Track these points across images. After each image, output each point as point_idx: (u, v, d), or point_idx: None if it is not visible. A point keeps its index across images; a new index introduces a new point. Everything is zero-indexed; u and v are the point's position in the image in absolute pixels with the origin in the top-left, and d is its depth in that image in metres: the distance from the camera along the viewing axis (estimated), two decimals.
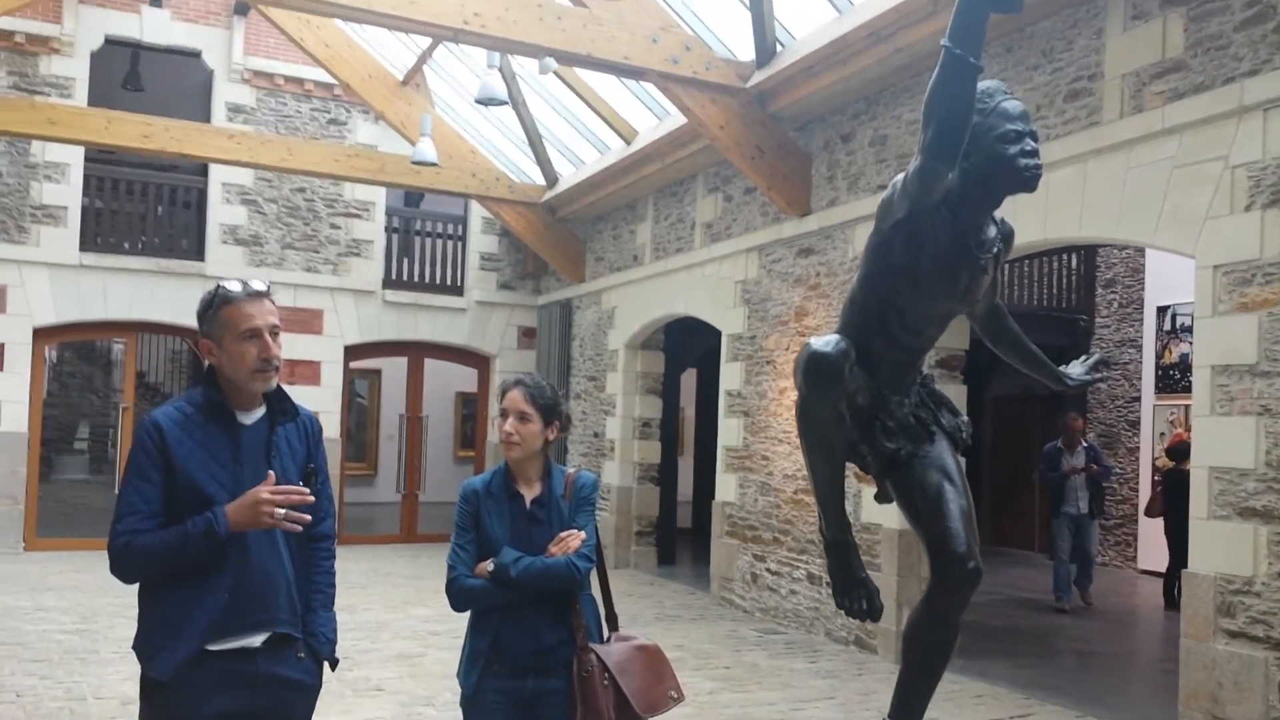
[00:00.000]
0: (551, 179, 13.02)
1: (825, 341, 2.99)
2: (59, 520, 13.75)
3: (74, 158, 12.55)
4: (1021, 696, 7.02)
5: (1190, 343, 9.76)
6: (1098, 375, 3.82)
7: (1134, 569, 13.38)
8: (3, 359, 12.20)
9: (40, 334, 12.54)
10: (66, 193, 12.60)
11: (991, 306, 3.51)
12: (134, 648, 2.88)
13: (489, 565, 3.31)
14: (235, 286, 2.93)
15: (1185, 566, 5.88)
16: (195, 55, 13.36)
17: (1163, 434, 12.69)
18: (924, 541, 3.26)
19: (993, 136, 2.94)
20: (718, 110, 8.61)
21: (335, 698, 6.31)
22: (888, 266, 3.07)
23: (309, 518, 2.79)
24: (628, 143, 11.23)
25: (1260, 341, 5.44)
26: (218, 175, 13.24)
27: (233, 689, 2.79)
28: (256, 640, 2.84)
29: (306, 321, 13.65)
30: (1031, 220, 6.77)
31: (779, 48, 8.61)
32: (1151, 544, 12.51)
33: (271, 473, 2.78)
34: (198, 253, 13.34)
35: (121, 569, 2.81)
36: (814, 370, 2.98)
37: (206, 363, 2.95)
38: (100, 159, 12.85)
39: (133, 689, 6.28)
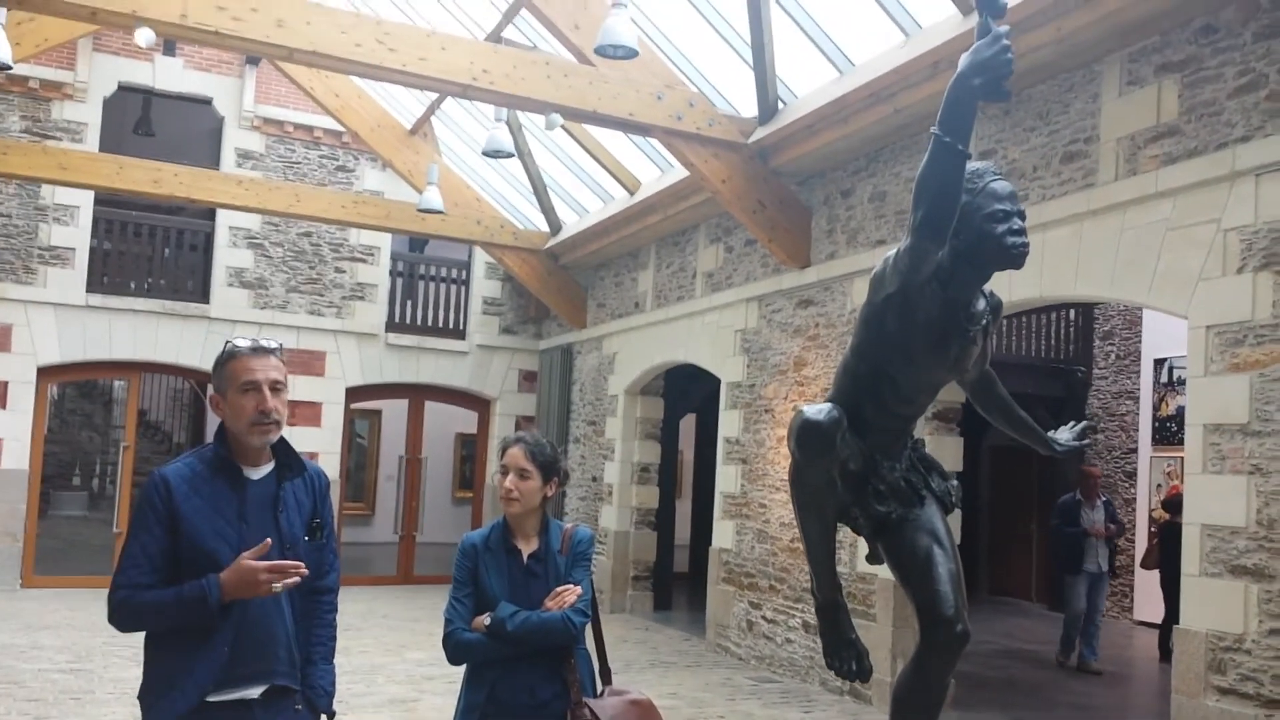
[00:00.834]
0: (555, 226, 13.16)
1: (818, 409, 3.08)
2: (57, 557, 13.77)
3: (83, 200, 12.71)
4: None
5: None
6: (1084, 441, 3.90)
7: (1130, 620, 13.38)
8: (6, 397, 12.28)
9: (44, 373, 12.64)
10: (75, 234, 12.74)
11: (982, 374, 3.60)
12: (139, 697, 2.95)
13: (486, 619, 3.37)
14: (243, 343, 3.02)
15: (1179, 621, 5.93)
16: (206, 102, 13.57)
17: (1159, 486, 12.74)
18: (913, 603, 3.33)
19: (982, 215, 3.05)
20: (720, 165, 8.75)
21: None
22: (880, 337, 3.17)
23: (301, 577, 2.86)
24: (631, 193, 11.38)
25: (1252, 401, 5.52)
26: (225, 219, 13.40)
27: None
28: (255, 692, 2.91)
29: (309, 363, 13.75)
30: (1029, 278, 6.86)
31: (781, 105, 8.75)
32: (1147, 596, 12.51)
33: (268, 540, 2.83)
34: (203, 295, 13.47)
35: (119, 621, 2.89)
36: (807, 437, 3.07)
37: (219, 419, 3.04)
38: (109, 202, 13.00)
39: None
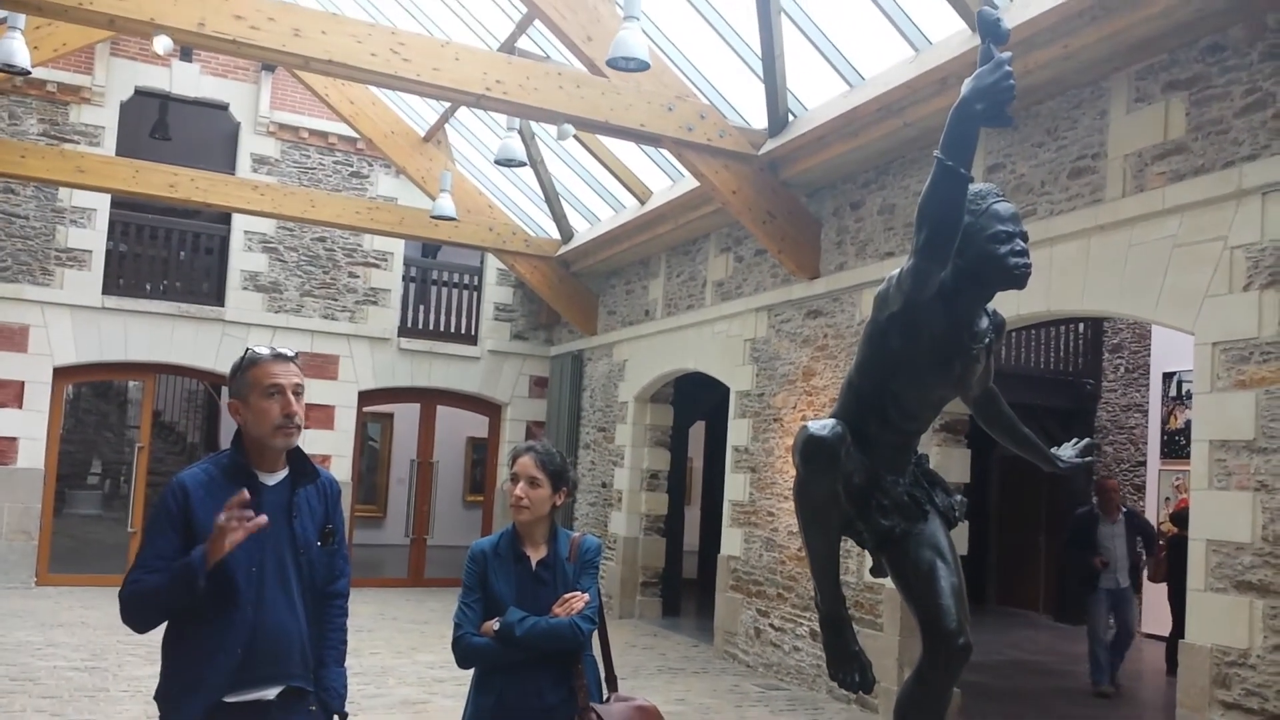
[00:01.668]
0: (567, 234, 13.25)
1: (822, 425, 3.14)
2: (71, 556, 13.88)
3: (100, 203, 12.84)
4: None
5: None
6: (1087, 459, 3.96)
7: (1138, 633, 13.35)
8: (23, 397, 12.40)
9: (60, 373, 12.76)
10: (92, 237, 12.87)
11: (985, 391, 3.65)
12: (156, 698, 3.03)
13: (495, 624, 3.44)
14: (263, 350, 3.11)
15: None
16: (223, 108, 13.71)
17: (1168, 499, 12.74)
18: (916, 617, 3.38)
19: (984, 236, 3.11)
20: (730, 176, 8.82)
21: None
22: (884, 355, 3.23)
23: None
24: (642, 202, 11.46)
25: (1258, 418, 5.55)
26: (240, 223, 13.52)
27: None
28: (271, 693, 2.99)
29: (322, 367, 13.86)
30: (1036, 292, 6.90)
31: (791, 118, 8.82)
32: (1154, 608, 12.51)
33: (245, 491, 2.88)
34: (218, 298, 13.59)
35: (128, 614, 2.96)
36: (810, 453, 3.13)
37: (236, 426, 3.12)
38: (126, 205, 13.12)
39: None
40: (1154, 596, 12.62)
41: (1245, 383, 5.63)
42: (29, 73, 7.95)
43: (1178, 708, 5.89)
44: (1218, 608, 5.69)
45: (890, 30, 7.53)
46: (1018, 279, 3.14)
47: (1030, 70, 6.47)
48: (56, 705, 7.16)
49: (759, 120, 9.14)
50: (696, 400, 12.87)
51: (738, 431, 10.38)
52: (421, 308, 14.98)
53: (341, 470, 13.90)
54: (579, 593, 3.51)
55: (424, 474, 14.99)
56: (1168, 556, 10.48)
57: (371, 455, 19.40)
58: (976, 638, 10.56)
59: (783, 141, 8.74)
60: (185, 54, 13.00)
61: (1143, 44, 6.15)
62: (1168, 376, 12.99)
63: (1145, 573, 10.71)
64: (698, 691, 8.74)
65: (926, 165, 7.55)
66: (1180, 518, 10.11)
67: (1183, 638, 5.98)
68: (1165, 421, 13.02)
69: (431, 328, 14.94)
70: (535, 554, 3.57)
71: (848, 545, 3.65)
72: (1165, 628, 11.25)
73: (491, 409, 15.34)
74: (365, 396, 14.34)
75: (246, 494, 2.86)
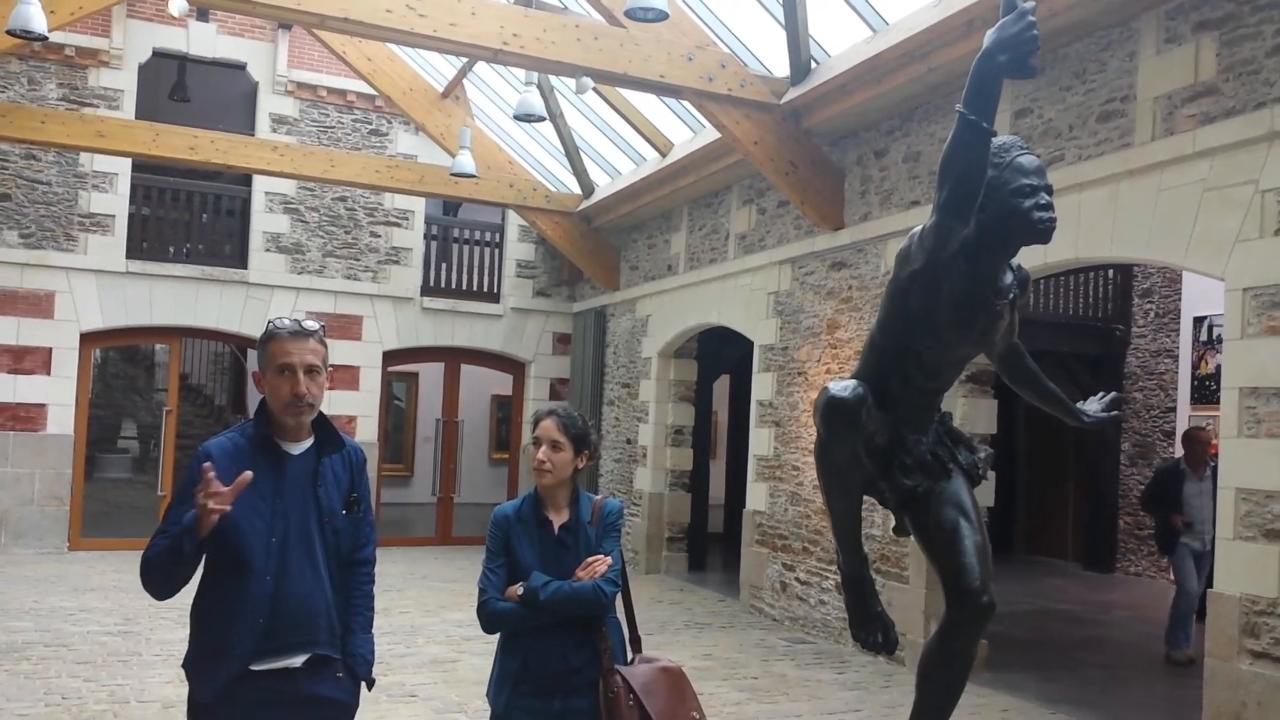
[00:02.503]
0: (588, 189, 13.16)
1: (843, 386, 3.10)
2: (102, 520, 14.04)
3: (122, 168, 12.83)
4: (1048, 711, 7.05)
5: None
6: (1113, 413, 3.89)
7: (1167, 580, 13.30)
8: (50, 363, 12.49)
9: (87, 339, 12.83)
10: (114, 202, 12.88)
11: (1010, 347, 3.59)
12: (183, 666, 3.05)
13: (519, 589, 3.43)
14: (284, 322, 3.08)
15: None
16: (240, 67, 13.62)
17: None
18: (939, 576, 3.35)
19: (1008, 190, 3.03)
20: (752, 126, 8.70)
21: (369, 704, 6.41)
22: (906, 313, 3.17)
23: (248, 476, 2.83)
24: (663, 155, 11.35)
25: None
26: (261, 185, 13.49)
27: (274, 707, 2.95)
28: (297, 661, 2.99)
29: (346, 327, 13.89)
30: (1064, 239, 6.78)
31: (813, 65, 8.68)
32: None
33: (249, 473, 2.83)
34: (241, 260, 13.60)
35: (144, 579, 2.98)
36: (831, 414, 3.09)
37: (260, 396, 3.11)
38: (147, 169, 13.11)
39: (174, 691, 6.51)
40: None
41: (1276, 328, 5.53)
42: (46, 38, 7.89)
43: (1206, 657, 5.86)
44: (1246, 557, 5.63)
45: None
46: (1043, 233, 3.08)
47: (1057, 12, 6.33)
48: (90, 670, 7.24)
49: (781, 68, 9.00)
50: (721, 354, 12.83)
51: (762, 386, 10.33)
52: (444, 266, 14.95)
53: (367, 430, 13.97)
54: (602, 556, 3.49)
55: (449, 433, 15.05)
56: None
57: (398, 414, 19.48)
58: (1003, 587, 10.54)
59: (805, 90, 8.61)
60: (202, 14, 12.92)
61: None
62: (1198, 321, 12.82)
63: None
64: (724, 646, 8.78)
65: (952, 112, 7.41)
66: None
67: (1211, 586, 5.93)
68: (1196, 366, 12.88)
69: (454, 286, 14.92)
70: (558, 518, 3.55)
71: (871, 501, 3.61)
72: None
73: (515, 367, 15.34)
74: (389, 356, 14.37)
75: (249, 475, 2.84)
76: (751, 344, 10.65)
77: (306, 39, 13.24)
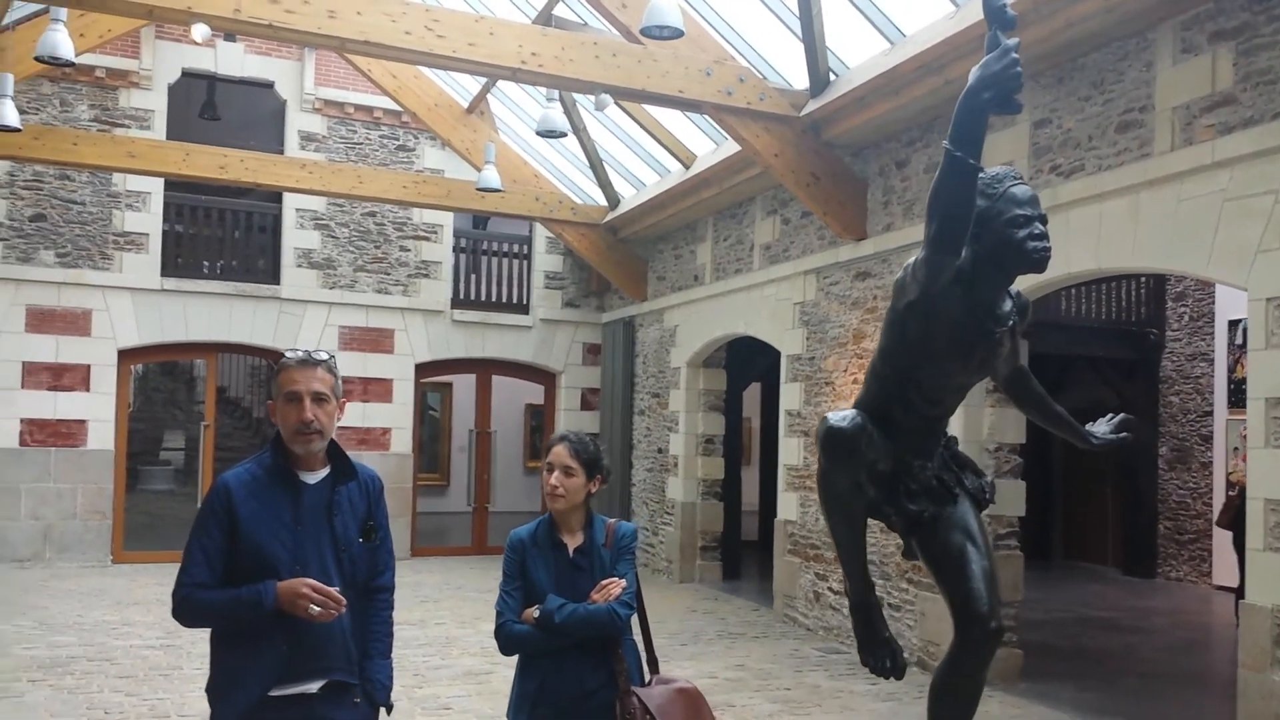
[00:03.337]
0: (613, 201, 13.22)
1: (841, 416, 3.13)
2: (145, 532, 14.25)
3: (154, 187, 13.04)
4: None
5: None
6: (1122, 435, 3.89)
7: (1209, 584, 13.19)
8: (89, 380, 12.72)
9: (124, 355, 13.05)
10: (148, 220, 13.10)
11: (1014, 370, 3.61)
12: (206, 691, 3.13)
13: (535, 612, 3.48)
14: (294, 354, 3.16)
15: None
16: (268, 86, 13.81)
17: (1235, 449, 12.48)
18: (947, 600, 3.37)
19: (1002, 221, 3.06)
20: (772, 139, 8.73)
21: (405, 716, 6.52)
22: (904, 342, 3.20)
23: (338, 613, 2.98)
24: (686, 166, 11.39)
25: None
26: (291, 201, 13.67)
27: None
28: (314, 686, 3.06)
29: (378, 341, 14.05)
30: (1085, 249, 6.80)
31: (832, 77, 8.69)
32: (1226, 559, 12.32)
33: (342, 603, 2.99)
34: (274, 276, 13.78)
35: (180, 617, 3.09)
36: (830, 444, 3.13)
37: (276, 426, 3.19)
38: (180, 187, 13.31)
39: None
40: (1225, 549, 12.44)
41: None
42: (73, 64, 8.08)
43: (1239, 668, 5.82)
44: (1277, 568, 5.58)
45: None
46: (1037, 263, 3.10)
47: (1073, 23, 6.31)
48: (132, 685, 7.36)
49: (800, 80, 9.01)
50: (750, 363, 12.85)
51: (790, 395, 10.34)
52: (473, 278, 15.07)
53: (401, 442, 14.12)
54: (616, 579, 3.53)
55: (482, 444, 15.16)
56: (1239, 504, 10.27)
57: (433, 424, 19.65)
58: (1042, 594, 10.52)
59: (824, 102, 8.62)
60: (228, 34, 13.11)
61: None
62: (1233, 324, 12.68)
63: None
64: (757, 657, 8.78)
65: None
66: None
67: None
68: (1232, 370, 12.74)
69: (483, 298, 15.03)
70: (572, 541, 3.61)
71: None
72: (1234, 578, 11.09)
73: (546, 377, 15.43)
74: (421, 369, 14.51)
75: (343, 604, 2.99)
76: (779, 353, 10.66)
77: (332, 57, 13.40)
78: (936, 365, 3.20)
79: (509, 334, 14.93)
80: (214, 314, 13.30)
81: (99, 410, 12.76)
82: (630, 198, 13.00)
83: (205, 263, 13.76)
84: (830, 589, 9.57)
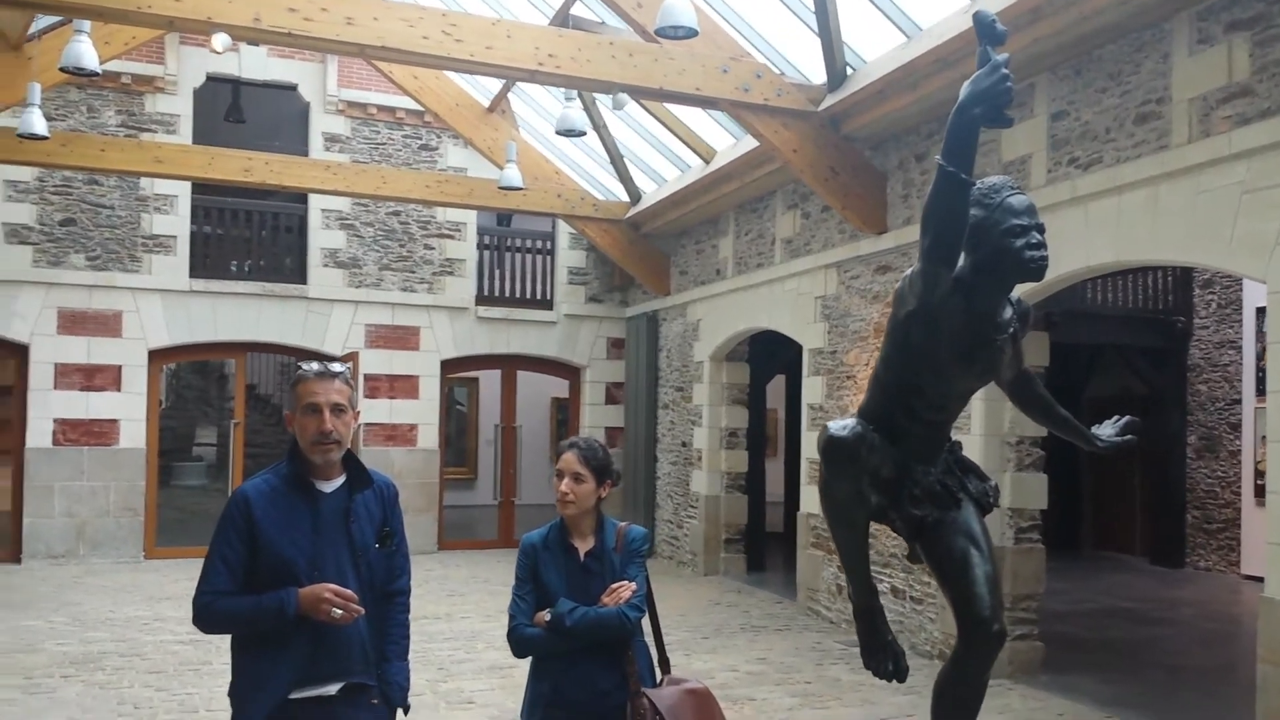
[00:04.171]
0: (635, 196, 13.26)
1: (842, 425, 3.16)
2: (177, 528, 14.43)
3: (182, 189, 13.20)
4: (1104, 716, 6.98)
5: None
6: (1127, 437, 3.89)
7: (1237, 574, 13.08)
8: (121, 380, 12.91)
9: (155, 356, 13.23)
10: (176, 223, 13.27)
11: (1019, 375, 3.62)
12: (229, 695, 3.21)
13: (546, 615, 3.54)
14: (311, 366, 3.23)
15: None
16: (292, 89, 13.94)
17: (1264, 437, 12.36)
18: (950, 604, 3.40)
19: (999, 231, 3.08)
20: (790, 134, 8.73)
21: (429, 710, 6.60)
22: (906, 350, 3.23)
23: (357, 615, 3.08)
24: (707, 162, 11.40)
25: None
26: (316, 202, 13.79)
27: None
28: (333, 689, 3.14)
29: (404, 339, 14.17)
30: (1105, 242, 6.78)
31: (850, 71, 8.68)
32: (1255, 549, 12.23)
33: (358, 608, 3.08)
34: (300, 276, 13.92)
35: (202, 624, 3.16)
36: (831, 452, 3.16)
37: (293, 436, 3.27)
38: (206, 189, 13.45)
39: None
40: (1253, 537, 12.35)
41: None
42: (98, 74, 8.19)
43: (1259, 663, 5.81)
44: None
45: None
46: (1034, 272, 3.11)
47: (1089, 15, 6.29)
48: (162, 680, 7.49)
49: (817, 75, 9.00)
50: (773, 355, 12.86)
51: (812, 389, 10.35)
52: (497, 275, 15.15)
53: (428, 438, 14.24)
54: (626, 582, 3.59)
55: (508, 438, 15.26)
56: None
57: (459, 418, 19.80)
58: (1068, 584, 10.47)
59: (842, 96, 8.61)
60: (249, 41, 13.24)
61: None
62: (1260, 311, 12.55)
63: None
64: (780, 650, 8.81)
65: None
66: None
67: None
68: (1260, 358, 12.62)
69: (507, 295, 15.12)
70: (583, 545, 3.66)
71: None
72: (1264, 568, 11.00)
73: (571, 372, 15.51)
74: (447, 365, 14.61)
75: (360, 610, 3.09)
76: (801, 346, 10.67)
77: (355, 59, 13.48)
78: (938, 373, 3.23)
79: (533, 330, 15.01)
80: (242, 314, 13.46)
81: (130, 410, 12.95)
82: (651, 193, 13.03)
83: (233, 263, 13.91)
84: None
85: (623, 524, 3.76)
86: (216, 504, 15.72)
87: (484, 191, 12.48)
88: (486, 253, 15.13)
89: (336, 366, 3.26)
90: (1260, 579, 11.19)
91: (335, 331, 13.80)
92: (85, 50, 7.66)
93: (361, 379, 13.12)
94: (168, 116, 13.20)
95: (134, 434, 12.96)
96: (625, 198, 13.46)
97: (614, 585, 3.58)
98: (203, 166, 11.39)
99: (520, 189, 11.12)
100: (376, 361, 13.90)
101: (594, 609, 3.52)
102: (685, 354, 13.36)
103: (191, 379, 21.38)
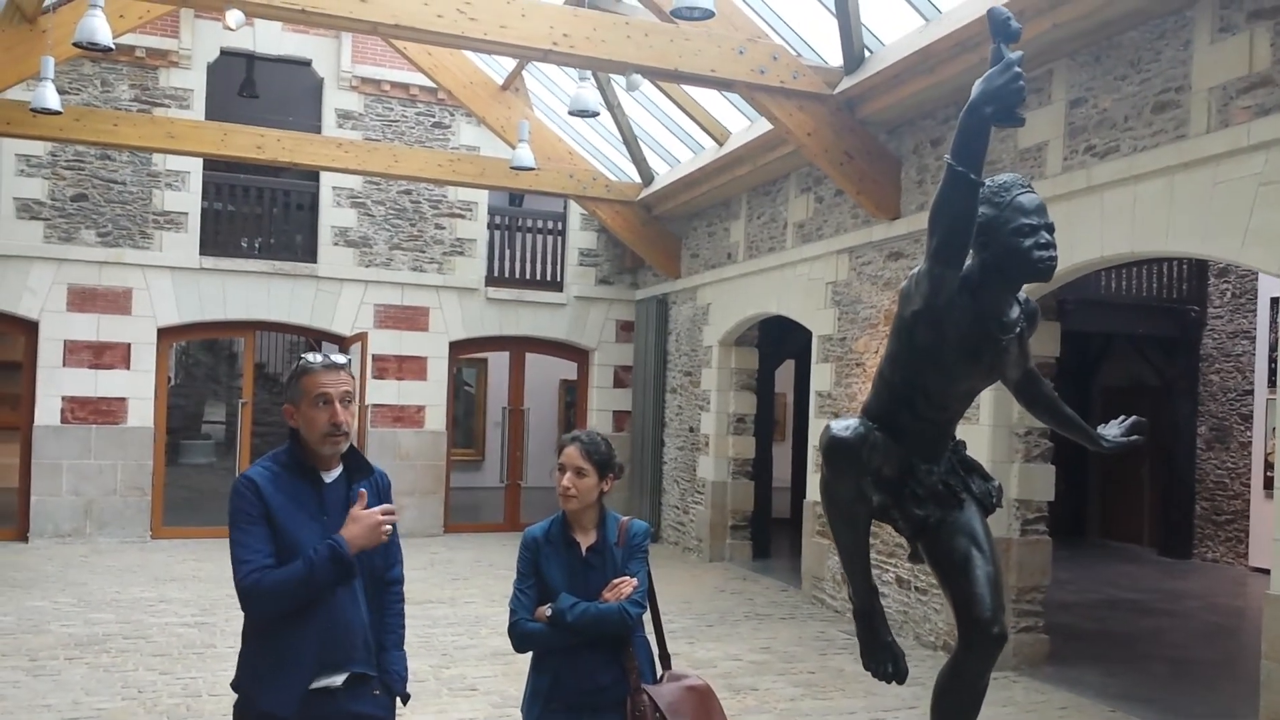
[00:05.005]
0: (647, 178, 13.18)
1: (844, 425, 3.13)
2: (184, 508, 14.45)
3: (193, 166, 13.15)
4: (1107, 709, 6.96)
5: None
6: (1133, 437, 3.84)
7: (1245, 565, 13.03)
8: (130, 358, 12.90)
9: (164, 334, 13.22)
10: (187, 199, 13.23)
11: (1025, 374, 3.58)
12: (234, 686, 3.16)
13: (547, 610, 3.52)
14: (315, 358, 3.20)
15: None
16: (306, 64, 13.87)
17: (1275, 429, 12.29)
18: (951, 604, 3.37)
19: (1008, 230, 3.03)
20: (805, 117, 8.64)
21: (431, 696, 6.59)
22: (912, 349, 3.19)
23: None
24: (720, 144, 11.32)
25: None
26: (328, 180, 13.73)
27: None
28: (338, 680, 3.12)
29: (413, 319, 14.13)
30: (1120, 232, 6.70)
31: (867, 54, 8.58)
32: (1263, 541, 12.17)
33: (364, 490, 3.13)
34: (310, 254, 13.88)
35: (254, 603, 3.04)
36: (832, 452, 3.12)
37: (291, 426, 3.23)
38: (218, 166, 13.41)
39: None
40: (1261, 529, 12.29)
41: None
42: (111, 49, 8.14)
43: (1262, 659, 5.76)
44: None
45: None
46: (1042, 272, 3.07)
47: (1107, 3, 6.18)
48: (166, 663, 7.48)
49: (834, 58, 8.91)
50: (783, 341, 12.80)
51: (820, 376, 10.29)
52: (507, 256, 15.08)
53: (436, 419, 14.22)
54: (627, 577, 3.55)
55: (515, 420, 15.22)
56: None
57: (468, 400, 19.79)
58: (1073, 574, 10.45)
59: (858, 80, 8.52)
60: (262, 18, 13.17)
61: None
62: (1275, 301, 12.47)
63: None
64: (783, 639, 8.78)
65: None
66: None
67: None
68: (1273, 348, 12.53)
69: (518, 276, 15.05)
70: (585, 540, 3.63)
71: None
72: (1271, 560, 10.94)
73: (580, 354, 15.46)
74: (456, 346, 14.57)
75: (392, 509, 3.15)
76: (811, 332, 10.61)
77: (369, 36, 13.42)
78: (944, 372, 3.18)
79: (543, 311, 14.96)
80: (252, 292, 13.44)
81: (139, 388, 12.95)
82: (664, 175, 12.95)
83: (244, 241, 13.88)
84: None
85: (625, 518, 3.73)
86: (224, 483, 15.76)
87: (496, 171, 12.41)
88: (497, 233, 15.07)
89: (339, 358, 3.25)
90: (1268, 571, 11.20)
91: (344, 311, 13.77)
92: (99, 25, 7.60)
93: (370, 359, 13.09)
94: (181, 91, 13.15)
95: (142, 413, 12.96)
96: (638, 179, 13.38)
97: (615, 581, 3.55)
98: (215, 142, 11.34)
99: (532, 169, 11.05)
100: (385, 342, 13.86)
101: (595, 604, 3.50)
102: (695, 338, 13.31)
103: (200, 356, 21.40)
